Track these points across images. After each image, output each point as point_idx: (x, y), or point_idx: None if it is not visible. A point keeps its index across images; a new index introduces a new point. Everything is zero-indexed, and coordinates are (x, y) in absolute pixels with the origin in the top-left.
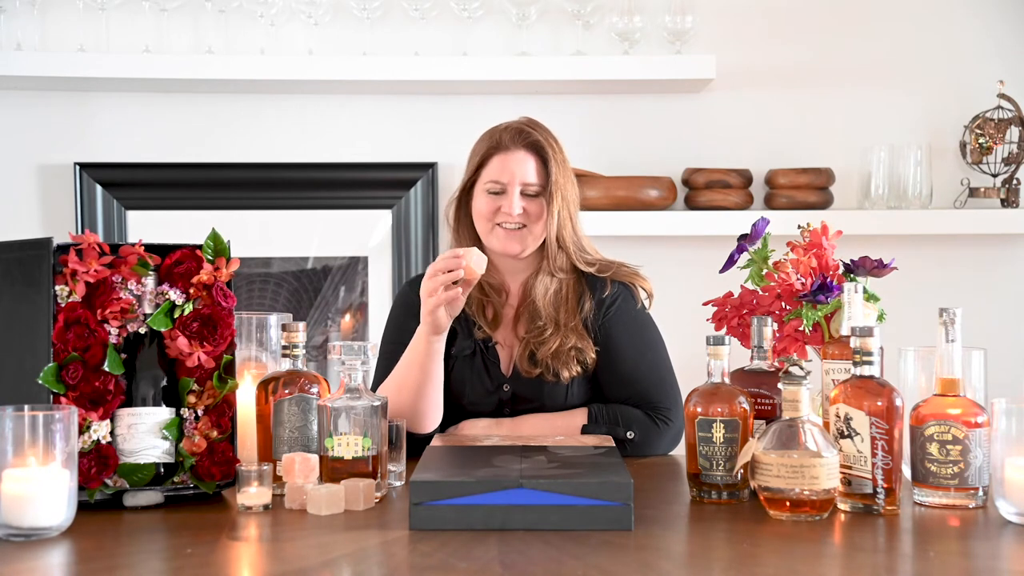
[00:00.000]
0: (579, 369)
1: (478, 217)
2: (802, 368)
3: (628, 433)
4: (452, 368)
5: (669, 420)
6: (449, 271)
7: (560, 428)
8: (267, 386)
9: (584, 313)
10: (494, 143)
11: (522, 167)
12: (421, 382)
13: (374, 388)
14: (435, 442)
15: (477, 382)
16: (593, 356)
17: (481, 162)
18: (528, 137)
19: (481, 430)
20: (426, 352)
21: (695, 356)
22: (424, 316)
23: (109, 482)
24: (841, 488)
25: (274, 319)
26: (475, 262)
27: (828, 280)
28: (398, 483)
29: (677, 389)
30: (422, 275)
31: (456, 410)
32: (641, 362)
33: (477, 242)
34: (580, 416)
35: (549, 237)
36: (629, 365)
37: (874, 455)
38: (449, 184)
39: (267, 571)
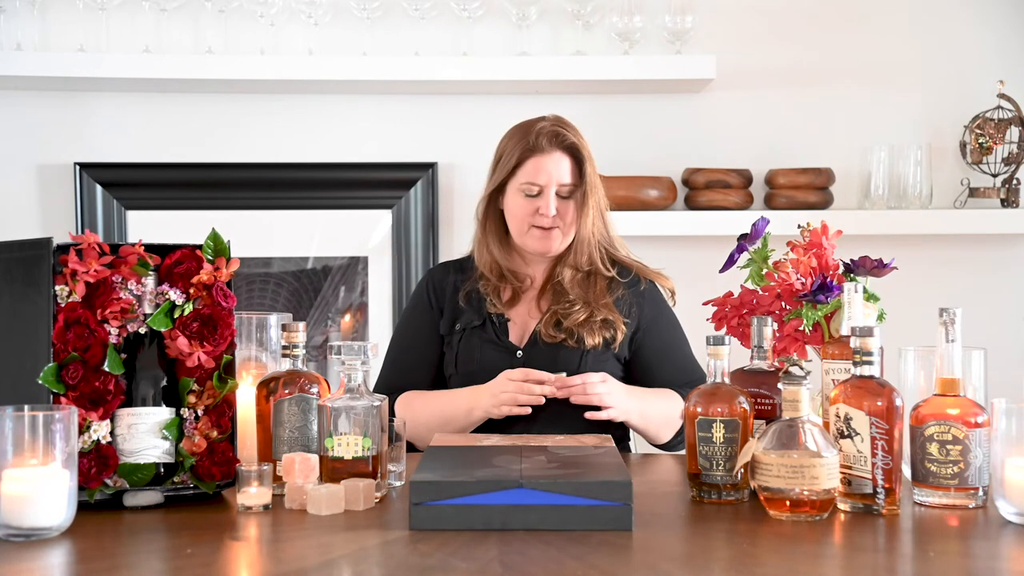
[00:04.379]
0: (601, 340)
1: (512, 218)
2: (802, 368)
3: None
4: (460, 341)
5: None
6: (523, 398)
7: (662, 413)
8: (267, 386)
9: (615, 295)
10: (530, 145)
11: (558, 169)
12: (442, 429)
13: (380, 378)
14: (435, 442)
15: (488, 347)
16: (622, 332)
17: (518, 163)
18: (564, 140)
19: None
20: (464, 419)
21: (695, 356)
22: (487, 406)
23: (109, 482)
24: (841, 488)
25: (274, 319)
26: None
27: (828, 280)
28: (398, 483)
29: (703, 370)
30: (441, 264)
31: (466, 377)
32: (679, 345)
33: (505, 239)
34: (676, 402)
35: (580, 235)
36: (670, 340)
37: (874, 455)
38: (449, 184)
39: (267, 571)
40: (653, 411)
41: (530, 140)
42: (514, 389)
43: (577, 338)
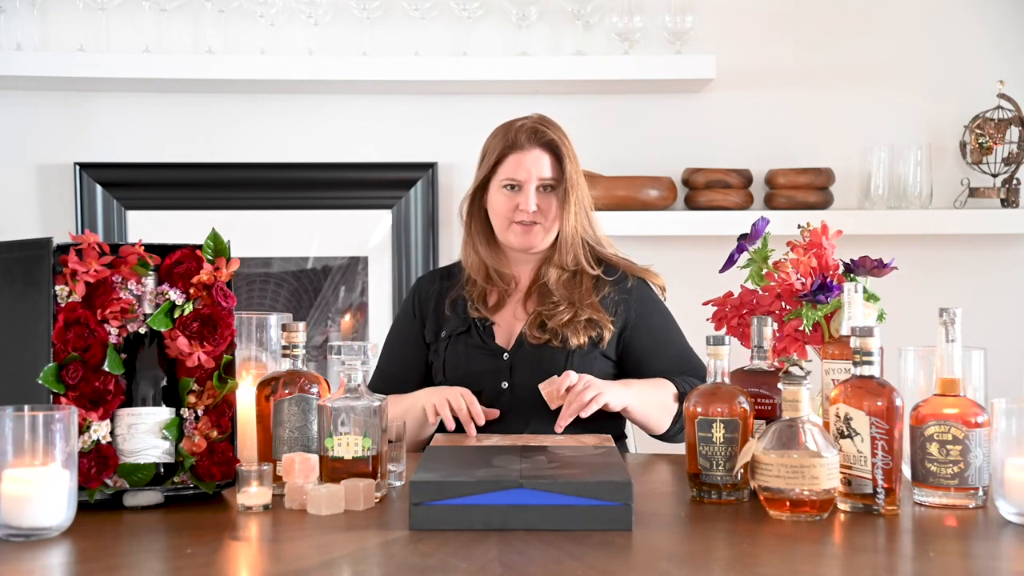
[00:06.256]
0: (586, 340)
1: (495, 214)
2: (802, 368)
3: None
4: (446, 349)
5: None
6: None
7: (657, 398)
8: (267, 386)
9: (601, 294)
10: (509, 142)
11: (538, 164)
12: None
13: (372, 381)
14: (435, 442)
15: (475, 352)
16: (609, 331)
17: (497, 160)
18: (543, 136)
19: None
20: (413, 411)
21: (692, 348)
22: (432, 398)
23: (109, 482)
24: (841, 488)
25: (274, 319)
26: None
27: (828, 280)
28: (398, 483)
29: (700, 362)
30: (429, 272)
31: (454, 384)
32: (673, 340)
33: (491, 239)
34: (670, 390)
35: (564, 232)
36: (662, 333)
37: (874, 455)
38: (449, 184)
39: (267, 571)
40: (647, 396)
41: (510, 137)
42: (460, 394)
43: (562, 338)
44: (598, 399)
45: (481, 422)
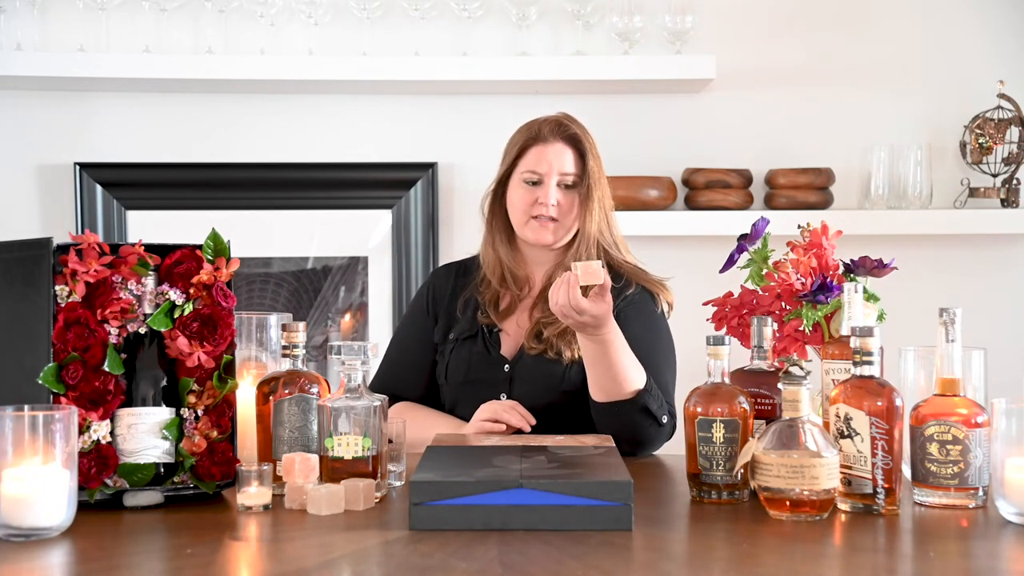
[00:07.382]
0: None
1: (513, 208)
2: (802, 368)
3: (663, 417)
4: (452, 351)
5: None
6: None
7: (622, 380)
8: (267, 386)
9: None
10: (532, 134)
11: (560, 158)
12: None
13: (375, 379)
14: (435, 442)
15: (478, 359)
16: None
17: (519, 153)
18: (567, 130)
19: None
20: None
21: (695, 356)
22: (471, 427)
23: (109, 482)
24: (841, 488)
25: (274, 319)
26: (586, 273)
27: (828, 280)
28: (398, 483)
29: (673, 401)
30: (445, 265)
31: (456, 389)
32: (649, 360)
33: (511, 236)
34: (640, 380)
35: (584, 231)
36: (641, 345)
37: (874, 455)
38: (449, 184)
39: (267, 571)
40: (625, 361)
41: (533, 129)
42: (500, 408)
43: (556, 350)
44: (595, 312)
45: (533, 422)
